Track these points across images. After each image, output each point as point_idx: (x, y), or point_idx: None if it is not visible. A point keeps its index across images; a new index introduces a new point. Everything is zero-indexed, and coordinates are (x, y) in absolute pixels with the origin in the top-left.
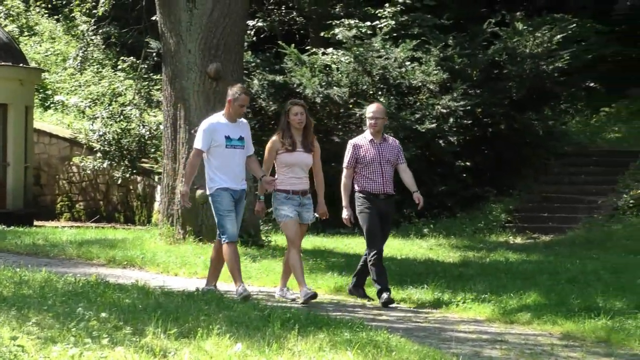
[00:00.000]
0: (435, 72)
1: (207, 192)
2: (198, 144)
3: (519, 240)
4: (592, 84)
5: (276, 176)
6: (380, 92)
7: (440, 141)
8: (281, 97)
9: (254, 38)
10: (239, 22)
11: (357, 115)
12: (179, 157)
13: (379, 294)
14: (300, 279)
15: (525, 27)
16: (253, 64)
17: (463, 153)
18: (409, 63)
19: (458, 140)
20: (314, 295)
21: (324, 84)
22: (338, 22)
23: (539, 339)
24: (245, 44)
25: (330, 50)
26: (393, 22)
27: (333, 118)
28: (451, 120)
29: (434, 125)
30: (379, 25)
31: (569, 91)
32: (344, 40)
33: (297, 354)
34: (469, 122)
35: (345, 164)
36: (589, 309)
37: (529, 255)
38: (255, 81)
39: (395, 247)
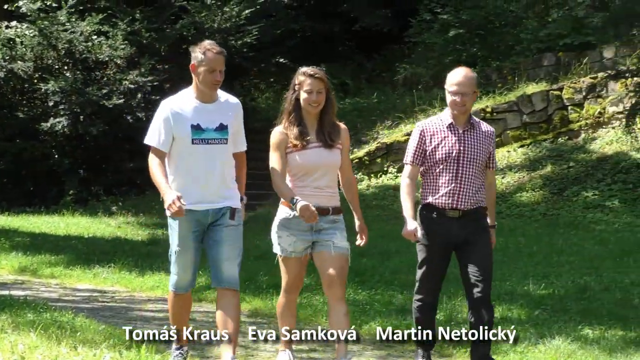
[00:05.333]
0: (123, 46)
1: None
2: (150, 138)
3: None
4: (281, 60)
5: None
6: (66, 67)
7: (128, 117)
8: None
9: None
10: None
11: (42, 90)
12: None
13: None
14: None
15: (213, 2)
16: None
17: None
18: (95, 37)
19: (146, 116)
20: None
21: (7, 58)
22: None
23: None
24: None
25: (14, 23)
26: None
27: (18, 93)
28: (139, 95)
29: (121, 101)
30: None
31: (258, 67)
32: (29, 13)
33: None
34: (157, 97)
35: (408, 159)
36: (277, 285)
37: None
38: None
39: (83, 225)
